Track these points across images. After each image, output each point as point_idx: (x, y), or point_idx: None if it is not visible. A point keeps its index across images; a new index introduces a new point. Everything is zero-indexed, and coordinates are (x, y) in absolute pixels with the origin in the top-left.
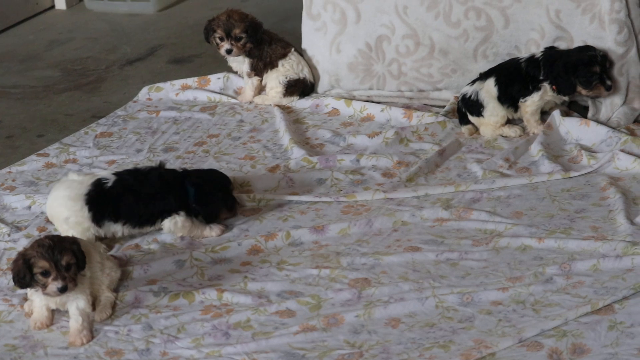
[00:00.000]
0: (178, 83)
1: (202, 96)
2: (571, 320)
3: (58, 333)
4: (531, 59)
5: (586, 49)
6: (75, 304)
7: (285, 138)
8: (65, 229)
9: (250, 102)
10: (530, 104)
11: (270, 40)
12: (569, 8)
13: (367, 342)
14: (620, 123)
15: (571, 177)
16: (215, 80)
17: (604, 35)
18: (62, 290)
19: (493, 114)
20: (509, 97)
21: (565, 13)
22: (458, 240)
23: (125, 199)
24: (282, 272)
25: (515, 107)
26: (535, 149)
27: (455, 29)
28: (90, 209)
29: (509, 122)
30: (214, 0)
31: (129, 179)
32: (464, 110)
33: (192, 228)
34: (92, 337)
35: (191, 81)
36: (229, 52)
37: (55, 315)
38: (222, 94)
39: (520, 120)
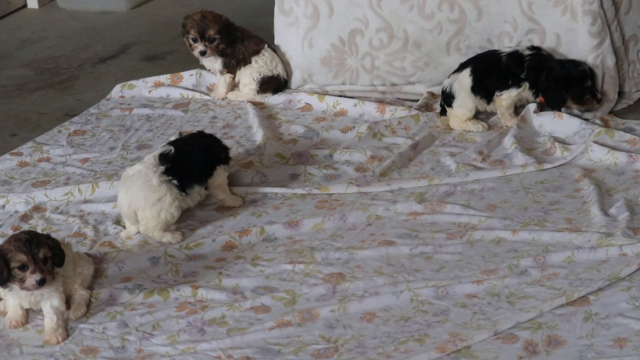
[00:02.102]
0: (151, 80)
1: (175, 93)
2: (546, 312)
3: (33, 332)
4: (514, 54)
5: (575, 64)
6: (50, 303)
7: (258, 134)
8: (153, 215)
9: (223, 99)
10: (506, 98)
11: (243, 37)
12: (542, 0)
13: (343, 337)
14: (595, 115)
15: (545, 169)
16: (188, 77)
17: (577, 27)
18: (41, 282)
19: (461, 105)
20: (484, 88)
21: (537, 5)
22: (432, 234)
23: (191, 161)
24: (257, 267)
25: (488, 99)
26: (508, 141)
27: (429, 22)
28: (177, 181)
29: (477, 116)
30: None
31: (181, 145)
32: (442, 102)
33: (227, 186)
34: (68, 335)
35: (164, 78)
36: (202, 53)
37: (30, 313)
38: (195, 90)
39: (490, 114)
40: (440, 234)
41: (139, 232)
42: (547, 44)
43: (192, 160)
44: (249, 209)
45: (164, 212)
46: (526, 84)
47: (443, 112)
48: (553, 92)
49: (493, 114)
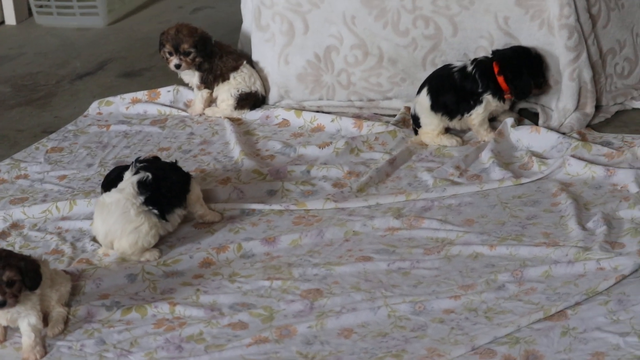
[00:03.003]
0: (128, 97)
1: (153, 109)
2: (524, 327)
3: (11, 349)
4: (463, 71)
5: (526, 50)
6: (27, 321)
7: (235, 150)
8: (130, 244)
9: (201, 115)
10: (476, 116)
11: (221, 53)
12: (518, 14)
13: (320, 353)
14: (573, 128)
15: (522, 184)
16: (165, 93)
17: (554, 41)
18: (1, 305)
19: (427, 123)
20: (442, 105)
21: (513, 19)
22: (409, 249)
23: (170, 186)
24: (234, 284)
25: (450, 115)
26: (485, 156)
27: (403, 38)
28: (155, 207)
29: (448, 130)
30: (164, 13)
31: (156, 170)
32: (412, 124)
33: (203, 202)
34: (46, 353)
35: (141, 94)
36: (177, 67)
37: (8, 331)
38: (173, 107)
39: (462, 131)
40: (418, 250)
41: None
42: None
43: (171, 183)
44: (227, 225)
45: (141, 240)
46: (488, 97)
47: (416, 133)
48: (522, 82)
49: (464, 130)
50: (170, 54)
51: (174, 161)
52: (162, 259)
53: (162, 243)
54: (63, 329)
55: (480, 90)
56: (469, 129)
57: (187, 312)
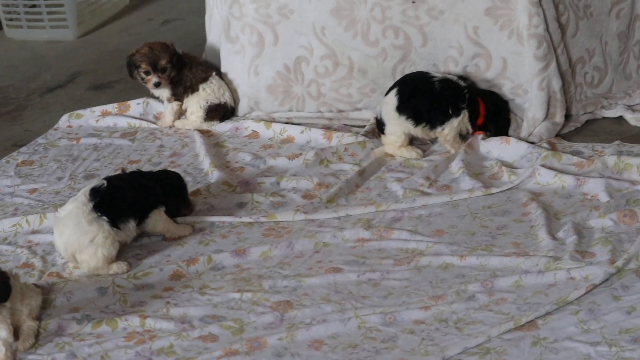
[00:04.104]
0: (98, 109)
1: (122, 122)
2: (494, 337)
3: None
4: (449, 83)
5: (498, 95)
6: None
7: (205, 162)
8: (90, 256)
9: (170, 127)
10: (449, 131)
11: (191, 64)
12: (487, 24)
13: None
14: (542, 138)
15: (492, 194)
16: (135, 105)
17: (523, 51)
18: None
19: (391, 132)
20: (410, 108)
21: (483, 29)
22: (379, 260)
23: (123, 195)
24: (205, 296)
25: (415, 120)
26: (455, 166)
27: (373, 48)
28: (106, 217)
29: (412, 142)
30: (132, 26)
31: (115, 180)
32: (377, 129)
33: (169, 225)
34: None
35: (111, 107)
36: (157, 85)
37: None
38: (142, 119)
39: (423, 142)
40: (388, 260)
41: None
42: (493, 68)
43: (124, 196)
44: (197, 237)
45: (100, 250)
46: (466, 112)
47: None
48: (503, 119)
49: (426, 141)
50: (147, 73)
51: (156, 182)
52: (132, 272)
53: (132, 256)
54: (34, 342)
55: (463, 105)
56: (432, 140)
57: (157, 325)
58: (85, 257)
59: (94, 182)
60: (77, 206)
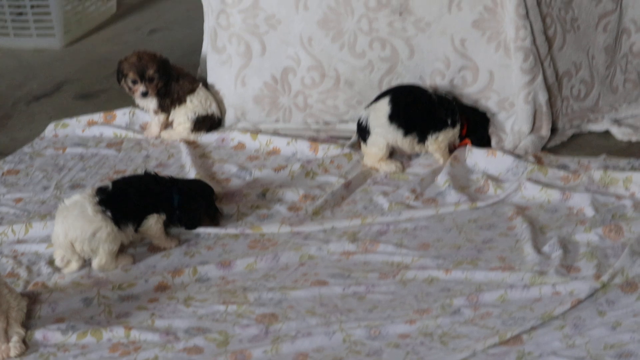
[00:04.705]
0: (84, 119)
1: (109, 132)
2: (479, 352)
3: None
4: (440, 96)
5: (477, 109)
6: None
7: (191, 173)
8: (88, 248)
9: (157, 138)
10: (443, 139)
11: (177, 76)
12: (474, 37)
13: None
14: (528, 151)
15: (478, 208)
16: (122, 115)
17: (509, 63)
18: None
19: (374, 142)
20: (403, 116)
21: (470, 42)
22: (365, 274)
23: (126, 198)
24: (190, 308)
25: (405, 129)
26: (441, 179)
27: (360, 60)
28: (110, 213)
29: (391, 155)
30: (119, 34)
31: (124, 183)
32: (358, 136)
33: (163, 232)
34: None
35: (97, 117)
36: (145, 94)
37: None
38: (129, 129)
39: (402, 156)
40: (373, 274)
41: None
42: (480, 80)
43: (127, 200)
44: (182, 249)
45: (102, 245)
46: (459, 125)
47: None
48: (483, 133)
49: (409, 155)
50: (135, 82)
51: (163, 186)
52: (117, 283)
53: (118, 267)
54: (24, 349)
55: (456, 118)
56: (410, 155)
57: (142, 337)
58: (86, 249)
59: (100, 183)
60: (84, 197)
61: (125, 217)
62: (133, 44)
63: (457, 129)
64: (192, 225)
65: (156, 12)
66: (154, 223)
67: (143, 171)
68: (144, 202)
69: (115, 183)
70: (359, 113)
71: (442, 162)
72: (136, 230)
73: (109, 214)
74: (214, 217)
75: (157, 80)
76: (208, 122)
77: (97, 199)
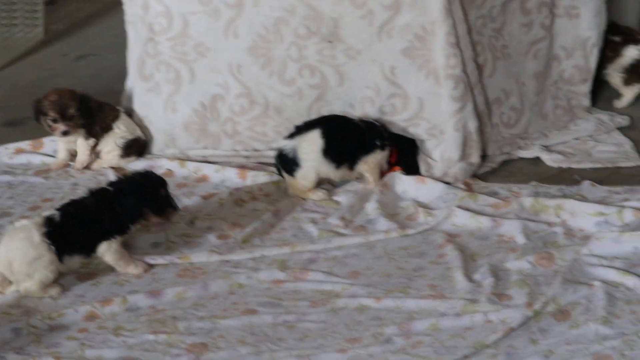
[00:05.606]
0: (12, 147)
1: (36, 159)
2: None
3: None
4: (368, 123)
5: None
6: None
7: None
8: (26, 274)
9: (86, 168)
10: (373, 160)
11: (99, 106)
12: (404, 64)
13: None
14: (458, 178)
15: (408, 235)
16: (49, 142)
17: (439, 91)
18: None
19: (304, 176)
20: (337, 151)
21: (400, 70)
22: (295, 302)
23: (75, 229)
24: (119, 338)
25: (338, 163)
26: (371, 207)
27: (289, 87)
28: (54, 246)
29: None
30: (47, 61)
31: (71, 210)
32: (279, 166)
33: (122, 257)
34: None
35: (25, 144)
36: (65, 133)
37: None
38: (56, 157)
39: (331, 183)
40: (304, 302)
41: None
42: (410, 108)
43: (73, 232)
44: (111, 277)
45: (39, 273)
46: (388, 150)
47: (280, 173)
48: (412, 160)
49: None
50: (55, 120)
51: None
52: (47, 312)
53: (46, 297)
54: None
55: (385, 142)
56: (338, 183)
57: None
58: (22, 272)
59: (49, 212)
60: (33, 224)
61: (70, 250)
62: (60, 70)
63: (386, 152)
64: (131, 220)
65: (84, 38)
66: (105, 251)
67: (88, 191)
68: (92, 229)
69: (64, 213)
70: None
71: (373, 184)
72: (88, 257)
73: (52, 247)
74: (162, 212)
75: (77, 119)
76: (136, 146)
77: (44, 229)
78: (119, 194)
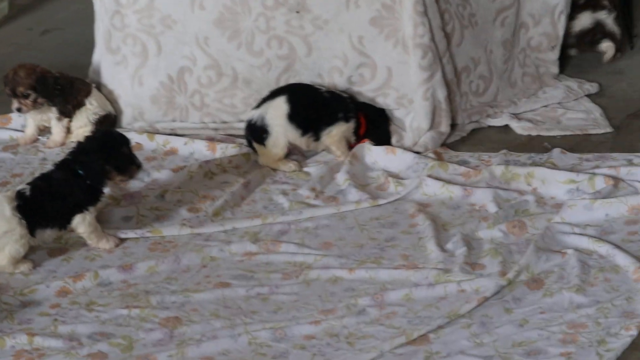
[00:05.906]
0: None
1: (4, 135)
2: (386, 352)
3: None
4: (333, 94)
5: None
6: None
7: None
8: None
9: (63, 145)
10: (337, 132)
11: (71, 82)
12: (372, 34)
13: None
14: (427, 148)
15: (379, 205)
16: (17, 118)
17: (408, 60)
18: None
19: (274, 143)
20: (302, 116)
21: (368, 39)
22: (268, 274)
23: (46, 203)
24: (92, 313)
25: (304, 129)
26: (341, 178)
27: (257, 58)
28: (25, 220)
29: (288, 155)
30: (11, 36)
31: (41, 183)
32: (249, 137)
33: (95, 230)
34: None
35: None
36: (18, 110)
37: None
38: (24, 131)
39: (301, 154)
40: (276, 274)
41: None
42: (378, 77)
43: (46, 205)
44: (82, 252)
45: (9, 247)
46: (353, 121)
47: (251, 145)
48: (384, 130)
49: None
50: (10, 96)
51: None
52: (19, 288)
53: (18, 273)
54: None
55: (351, 114)
56: (307, 152)
57: (45, 343)
58: None
59: (20, 186)
60: (4, 197)
61: (42, 223)
62: (25, 45)
63: (351, 124)
64: (97, 182)
65: (48, 13)
66: (79, 223)
67: (56, 164)
68: (64, 202)
69: (34, 187)
70: None
71: (341, 157)
72: (60, 229)
73: (23, 221)
74: (125, 170)
75: (33, 97)
76: (107, 121)
77: (15, 203)
78: (81, 154)
